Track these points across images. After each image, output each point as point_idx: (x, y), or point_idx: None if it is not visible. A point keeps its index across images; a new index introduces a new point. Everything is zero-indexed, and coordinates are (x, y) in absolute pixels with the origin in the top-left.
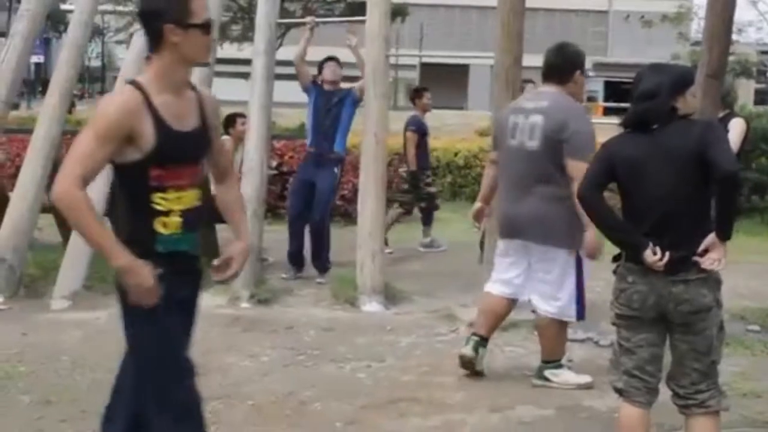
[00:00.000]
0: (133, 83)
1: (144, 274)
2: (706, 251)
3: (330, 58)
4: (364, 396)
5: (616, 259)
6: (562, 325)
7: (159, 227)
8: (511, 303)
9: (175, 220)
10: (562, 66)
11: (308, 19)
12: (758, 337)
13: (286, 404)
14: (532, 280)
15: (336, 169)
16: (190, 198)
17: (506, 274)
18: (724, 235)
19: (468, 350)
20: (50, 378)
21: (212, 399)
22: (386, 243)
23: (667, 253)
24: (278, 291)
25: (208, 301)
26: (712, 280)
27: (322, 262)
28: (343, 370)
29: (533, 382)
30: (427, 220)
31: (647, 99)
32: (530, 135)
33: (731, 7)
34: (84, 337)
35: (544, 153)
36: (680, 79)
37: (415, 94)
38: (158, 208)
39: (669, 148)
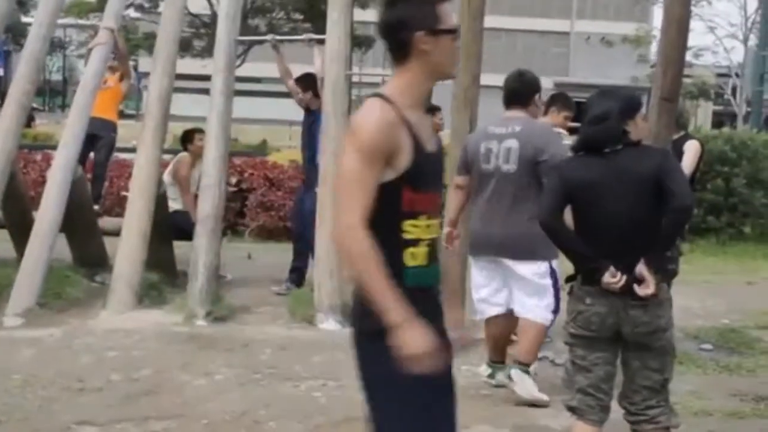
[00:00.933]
0: (381, 97)
1: (426, 337)
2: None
3: (296, 79)
4: (320, 415)
5: (569, 279)
6: (543, 329)
7: (408, 259)
8: (508, 322)
9: (423, 250)
10: (523, 91)
11: (268, 37)
12: (711, 355)
13: (241, 423)
14: (515, 292)
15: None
16: (436, 227)
17: (486, 290)
18: (654, 264)
19: (495, 380)
20: (0, 397)
21: (166, 418)
22: None
23: (624, 277)
24: (235, 309)
25: (164, 318)
26: (667, 301)
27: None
28: (299, 388)
29: (492, 381)
30: None
31: (598, 122)
32: (506, 159)
33: (684, 32)
34: (36, 355)
35: (522, 175)
36: (629, 104)
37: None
38: (408, 237)
39: (624, 171)
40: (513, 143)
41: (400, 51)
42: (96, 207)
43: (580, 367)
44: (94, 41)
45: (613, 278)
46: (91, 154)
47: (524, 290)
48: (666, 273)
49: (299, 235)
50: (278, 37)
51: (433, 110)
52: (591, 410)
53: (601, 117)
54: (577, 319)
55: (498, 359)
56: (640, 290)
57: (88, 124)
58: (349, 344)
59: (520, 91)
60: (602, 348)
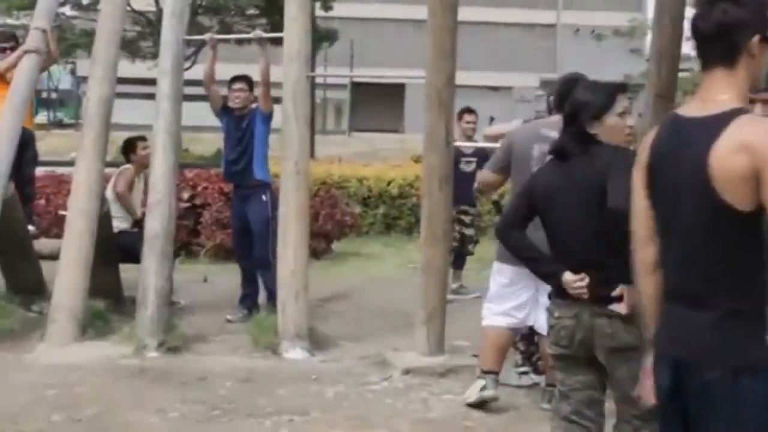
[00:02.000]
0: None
1: None
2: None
3: (236, 79)
4: None
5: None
6: None
7: None
8: (513, 334)
9: None
10: None
11: (207, 36)
12: None
13: None
14: (538, 306)
15: (264, 197)
16: None
17: (509, 303)
18: (624, 280)
19: (491, 393)
20: None
21: None
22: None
23: (587, 278)
24: (190, 338)
25: (110, 350)
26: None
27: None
28: (263, 425)
29: (544, 406)
30: (456, 263)
31: (565, 125)
32: None
33: (680, 23)
34: None
35: None
36: (598, 103)
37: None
38: None
39: (580, 177)
40: None
41: (727, 54)
42: (31, 228)
43: (561, 393)
44: (24, 46)
45: (572, 278)
46: None
47: None
48: None
49: (245, 255)
50: (233, 36)
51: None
52: None
53: (569, 118)
54: (550, 335)
55: (493, 369)
56: (614, 305)
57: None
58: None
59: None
60: (581, 371)
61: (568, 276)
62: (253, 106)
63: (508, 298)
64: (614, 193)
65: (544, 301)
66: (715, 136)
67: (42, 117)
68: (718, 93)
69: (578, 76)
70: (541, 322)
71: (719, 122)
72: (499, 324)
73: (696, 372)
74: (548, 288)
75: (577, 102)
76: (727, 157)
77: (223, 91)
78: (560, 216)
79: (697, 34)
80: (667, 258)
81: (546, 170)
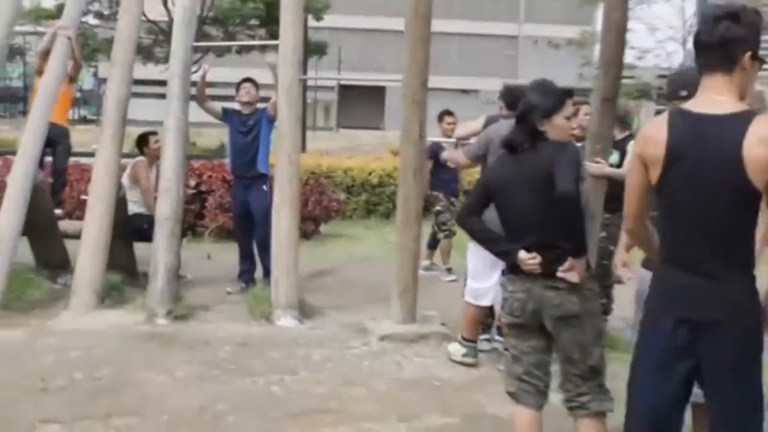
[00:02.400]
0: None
1: None
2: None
3: (246, 80)
4: (277, 408)
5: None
6: None
7: None
8: (489, 310)
9: None
10: None
11: (204, 67)
12: None
13: (201, 418)
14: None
15: (264, 187)
16: None
17: (488, 282)
18: (577, 253)
19: (470, 360)
20: None
21: (128, 415)
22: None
23: (539, 257)
24: (195, 307)
25: (125, 318)
26: (586, 290)
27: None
28: (257, 383)
29: (500, 367)
30: (431, 244)
31: (518, 122)
32: None
33: (622, 35)
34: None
35: None
36: (547, 104)
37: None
38: None
39: (529, 169)
40: None
41: (727, 63)
42: (58, 212)
43: (514, 355)
44: (58, 24)
45: (526, 257)
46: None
47: None
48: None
49: (245, 235)
50: (236, 43)
51: (442, 115)
52: (528, 395)
53: (520, 117)
54: (504, 307)
55: (473, 339)
56: (561, 272)
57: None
58: (305, 339)
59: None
60: (533, 337)
61: (522, 254)
62: (260, 106)
63: (488, 275)
64: (562, 180)
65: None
66: (743, 130)
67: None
68: (720, 94)
69: (546, 82)
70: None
71: (742, 119)
72: (480, 303)
73: (719, 332)
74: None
75: (530, 103)
76: (756, 147)
77: (229, 91)
78: (514, 202)
79: (702, 44)
80: (684, 235)
81: (499, 163)
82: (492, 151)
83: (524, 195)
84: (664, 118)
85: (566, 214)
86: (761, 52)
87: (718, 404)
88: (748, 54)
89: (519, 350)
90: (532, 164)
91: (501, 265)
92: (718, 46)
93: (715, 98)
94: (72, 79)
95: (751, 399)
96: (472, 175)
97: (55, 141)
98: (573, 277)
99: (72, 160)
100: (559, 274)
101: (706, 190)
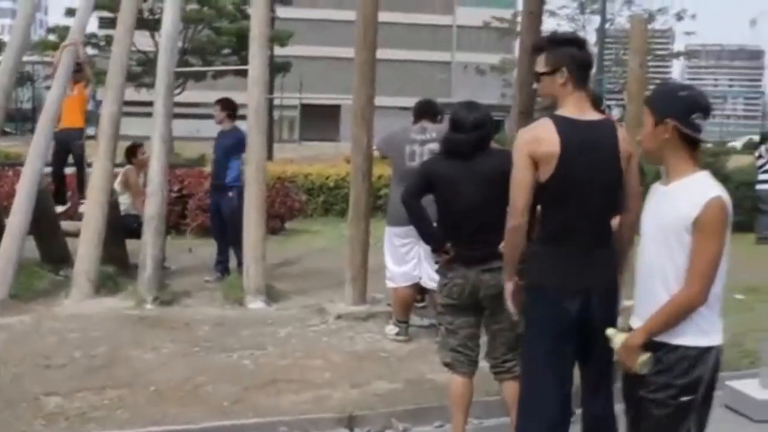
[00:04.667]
0: None
1: None
2: None
3: (216, 101)
4: (248, 379)
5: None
6: None
7: None
8: (414, 289)
9: None
10: (433, 109)
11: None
12: None
13: (183, 388)
14: (424, 263)
15: (231, 194)
16: None
17: (408, 265)
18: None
19: (403, 337)
20: None
21: (120, 387)
22: None
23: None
24: (178, 294)
25: (118, 304)
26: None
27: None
28: (231, 358)
29: (401, 337)
30: None
31: (473, 130)
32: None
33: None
34: (9, 339)
35: None
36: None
37: None
38: None
39: (479, 173)
40: (435, 145)
41: (587, 82)
42: (83, 202)
43: (449, 330)
44: (64, 43)
45: (445, 253)
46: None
47: (430, 260)
48: None
49: (219, 233)
50: (213, 68)
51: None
52: (461, 364)
53: (474, 127)
54: (443, 290)
55: (405, 319)
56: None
57: (60, 137)
58: (272, 320)
59: (429, 109)
60: (466, 314)
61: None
62: (232, 126)
63: (404, 258)
64: None
65: (427, 255)
66: (615, 131)
67: None
68: (585, 105)
69: (471, 102)
70: (428, 276)
71: (609, 124)
72: (403, 284)
73: (606, 297)
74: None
75: (486, 116)
76: (623, 144)
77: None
78: (459, 198)
79: (589, 65)
80: (576, 218)
81: (446, 164)
82: (395, 153)
83: (471, 192)
84: (548, 122)
85: (500, 210)
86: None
87: (602, 361)
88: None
89: (455, 326)
90: (487, 168)
91: (413, 253)
92: (589, 68)
93: (582, 108)
94: (87, 81)
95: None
96: None
97: (70, 146)
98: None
99: (73, 170)
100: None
101: (595, 181)
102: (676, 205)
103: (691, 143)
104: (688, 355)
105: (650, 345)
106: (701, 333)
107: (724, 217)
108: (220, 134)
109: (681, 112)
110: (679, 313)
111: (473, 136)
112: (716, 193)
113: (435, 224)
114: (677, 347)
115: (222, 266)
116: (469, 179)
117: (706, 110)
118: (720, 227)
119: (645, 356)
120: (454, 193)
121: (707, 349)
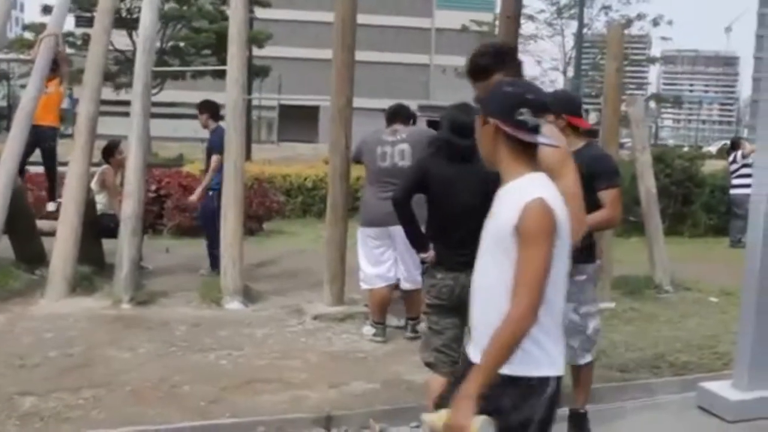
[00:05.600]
0: None
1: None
2: None
3: (197, 106)
4: (225, 379)
5: (423, 262)
6: (419, 291)
7: None
8: (390, 289)
9: None
10: (405, 112)
11: None
12: None
13: (159, 388)
14: (399, 263)
15: (210, 193)
16: None
17: (383, 267)
18: None
19: (380, 338)
20: None
21: (96, 387)
22: None
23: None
24: (155, 294)
25: (94, 303)
26: None
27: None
28: (208, 358)
29: (407, 335)
30: None
31: (467, 137)
32: (401, 157)
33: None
34: None
35: None
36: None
37: None
38: None
39: (479, 176)
40: (405, 146)
41: None
42: (54, 203)
43: (435, 330)
44: (43, 34)
45: (429, 255)
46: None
47: (412, 259)
48: None
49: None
50: (191, 69)
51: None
52: (443, 365)
53: (469, 133)
54: (431, 291)
55: (382, 320)
56: None
57: (32, 133)
58: (249, 320)
59: (401, 113)
60: (452, 315)
61: (430, 254)
62: (215, 125)
63: (379, 259)
64: None
65: (406, 258)
66: None
67: None
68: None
69: (466, 104)
70: (404, 278)
71: None
72: (379, 286)
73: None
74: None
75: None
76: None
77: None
78: (455, 204)
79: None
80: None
81: (444, 165)
82: (367, 155)
83: (466, 196)
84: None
85: None
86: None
87: None
88: None
89: (440, 326)
90: (481, 171)
91: (388, 254)
92: None
93: None
94: (62, 78)
95: None
96: None
97: (41, 143)
98: None
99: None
100: None
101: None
102: (499, 212)
103: (523, 143)
104: (515, 387)
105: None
106: (532, 361)
107: (547, 222)
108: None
109: (504, 109)
110: (509, 341)
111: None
112: (537, 195)
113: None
114: (501, 377)
115: (213, 258)
116: (466, 183)
117: (536, 105)
118: (543, 234)
119: (479, 421)
120: (449, 196)
121: (541, 381)
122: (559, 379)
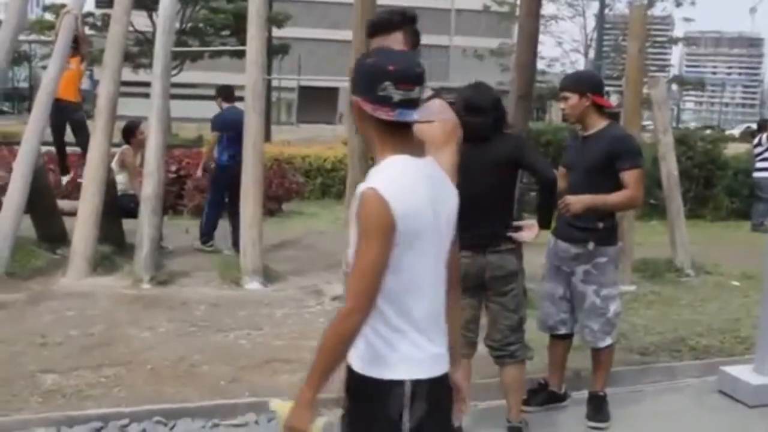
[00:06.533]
0: None
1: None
2: (520, 228)
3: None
4: (244, 358)
5: None
6: None
7: None
8: None
9: None
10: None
11: None
12: None
13: (179, 367)
14: None
15: (216, 165)
16: None
17: None
18: (546, 225)
19: None
20: None
21: (116, 365)
22: None
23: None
24: (175, 274)
25: (114, 283)
26: (518, 252)
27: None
28: (228, 337)
29: None
30: None
31: (485, 116)
32: None
33: (534, 43)
34: (5, 316)
35: None
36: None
37: None
38: None
39: (495, 156)
40: None
41: None
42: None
43: None
44: (64, 10)
45: None
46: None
47: None
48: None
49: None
50: (211, 49)
51: None
52: (462, 346)
53: (487, 109)
54: None
55: None
56: (521, 236)
57: (56, 108)
58: (268, 300)
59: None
60: (469, 295)
61: None
62: (226, 107)
63: None
64: (544, 166)
65: None
66: None
67: None
68: None
69: (481, 84)
70: None
71: None
72: None
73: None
74: None
75: (497, 98)
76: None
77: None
78: (470, 186)
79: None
80: None
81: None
82: None
83: (481, 177)
84: None
85: (508, 195)
86: None
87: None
88: None
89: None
90: (497, 151)
91: None
92: None
93: None
94: (83, 57)
95: None
96: None
97: (66, 117)
98: (528, 237)
99: (72, 149)
100: (514, 236)
101: None
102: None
103: (386, 121)
104: (366, 386)
105: None
106: (382, 363)
107: (375, 214)
108: None
109: (366, 84)
110: (334, 340)
111: (491, 118)
112: (371, 184)
113: None
114: (352, 371)
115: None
116: (481, 164)
117: (401, 77)
118: (374, 226)
119: (320, 422)
120: (463, 176)
121: (393, 384)
122: (423, 382)
